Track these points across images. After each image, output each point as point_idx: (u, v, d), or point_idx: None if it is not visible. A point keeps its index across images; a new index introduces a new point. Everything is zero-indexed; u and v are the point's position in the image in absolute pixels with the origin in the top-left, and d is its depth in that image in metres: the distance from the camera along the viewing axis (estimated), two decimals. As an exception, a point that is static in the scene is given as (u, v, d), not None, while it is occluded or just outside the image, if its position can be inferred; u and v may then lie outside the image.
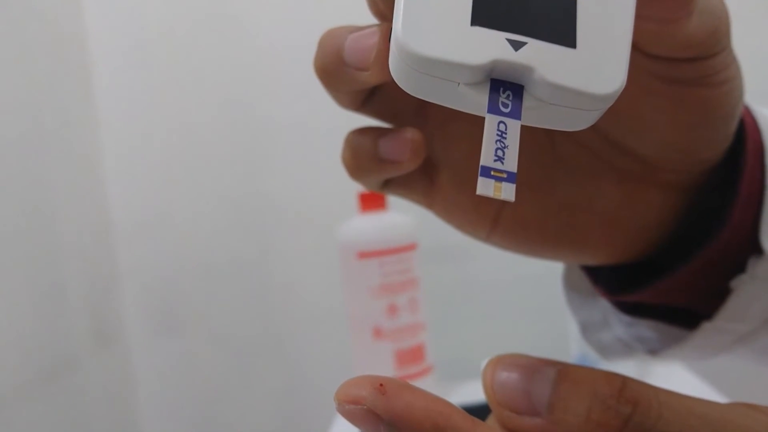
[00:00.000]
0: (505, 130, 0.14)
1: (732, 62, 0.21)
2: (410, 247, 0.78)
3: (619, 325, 0.31)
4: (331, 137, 1.11)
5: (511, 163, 0.14)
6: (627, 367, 0.80)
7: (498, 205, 0.25)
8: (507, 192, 0.14)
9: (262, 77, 1.04)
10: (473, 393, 0.84)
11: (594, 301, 0.32)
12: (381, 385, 0.16)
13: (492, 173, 0.13)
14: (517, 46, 0.14)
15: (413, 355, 0.78)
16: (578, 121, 0.15)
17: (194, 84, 1.05)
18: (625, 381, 0.16)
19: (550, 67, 0.14)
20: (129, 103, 1.06)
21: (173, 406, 1.09)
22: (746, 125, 0.25)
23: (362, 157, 0.23)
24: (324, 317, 1.03)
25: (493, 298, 1.01)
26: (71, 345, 0.94)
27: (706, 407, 0.16)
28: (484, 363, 0.18)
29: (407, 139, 0.22)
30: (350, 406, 0.16)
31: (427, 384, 0.80)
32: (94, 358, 0.98)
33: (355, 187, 0.82)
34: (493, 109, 0.14)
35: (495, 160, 0.14)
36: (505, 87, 0.14)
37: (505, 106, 0.14)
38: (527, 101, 0.14)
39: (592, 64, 0.14)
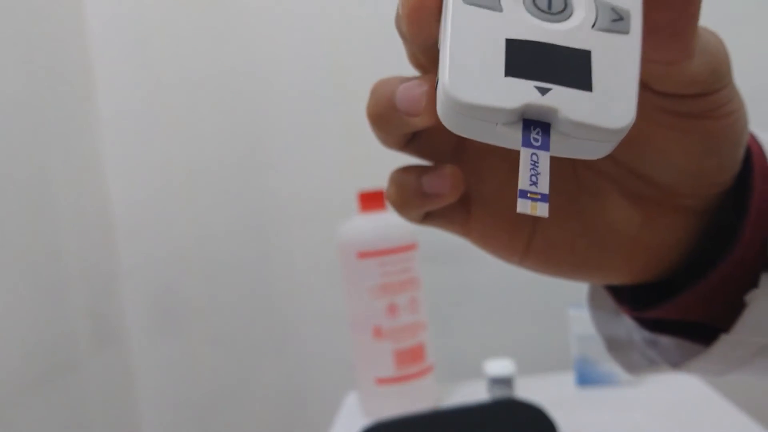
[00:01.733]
0: (537, 160, 0.17)
1: (735, 96, 0.24)
2: (410, 247, 0.78)
3: (642, 341, 0.33)
4: (331, 138, 1.12)
5: (544, 187, 0.17)
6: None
7: (529, 232, 0.27)
8: (542, 209, 0.16)
9: (263, 77, 1.04)
10: (473, 393, 0.84)
11: (618, 319, 0.34)
12: None
13: (528, 195, 0.16)
14: (543, 91, 0.17)
15: (413, 355, 0.78)
16: (597, 151, 0.18)
17: (195, 84, 1.05)
18: None
19: (571, 107, 0.17)
20: (130, 103, 1.06)
21: (173, 405, 1.09)
22: (752, 149, 0.27)
23: (407, 192, 0.25)
24: (324, 317, 1.03)
25: (493, 298, 1.01)
26: (72, 345, 0.94)
27: None
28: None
29: (447, 175, 0.25)
30: None
31: (427, 384, 0.80)
32: (94, 358, 0.98)
33: (355, 187, 0.82)
34: (526, 143, 0.17)
35: (530, 185, 0.16)
36: (535, 125, 0.17)
37: (536, 140, 0.17)
38: (554, 136, 0.17)
39: (606, 104, 0.17)
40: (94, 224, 1.03)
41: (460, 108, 0.17)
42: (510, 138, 0.17)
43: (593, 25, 0.18)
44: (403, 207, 0.26)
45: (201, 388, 1.08)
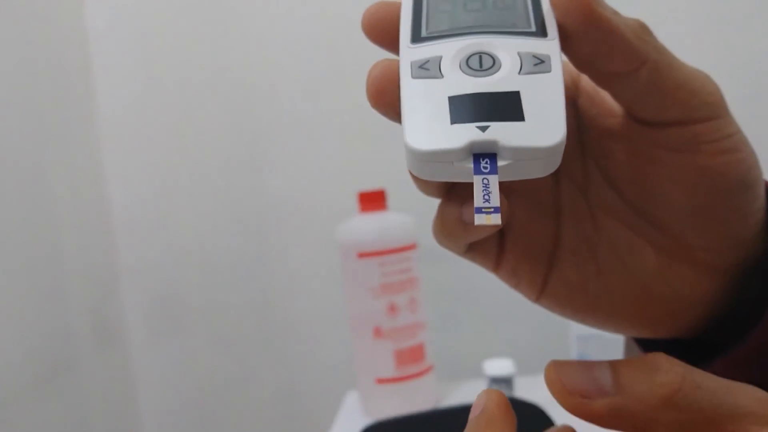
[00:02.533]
0: (488, 183, 0.20)
1: (733, 135, 0.24)
2: (410, 247, 0.78)
3: None
4: (331, 138, 1.12)
5: (495, 201, 0.20)
6: None
7: (546, 270, 0.29)
8: (495, 219, 0.20)
9: (263, 77, 1.04)
10: (473, 393, 0.84)
11: None
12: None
13: (483, 210, 0.20)
14: (483, 129, 0.21)
15: (413, 355, 0.78)
16: (542, 169, 0.21)
17: (195, 83, 1.05)
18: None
19: (508, 136, 0.20)
20: (129, 103, 1.06)
21: (173, 404, 1.09)
22: None
23: (450, 222, 0.27)
24: (324, 317, 1.03)
25: (493, 298, 1.01)
26: (72, 345, 0.94)
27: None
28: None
29: None
30: None
31: (427, 383, 0.80)
32: (94, 358, 0.98)
33: (355, 187, 0.82)
34: (477, 171, 0.20)
35: (484, 202, 0.20)
36: (484, 157, 0.21)
37: (485, 168, 0.20)
38: (501, 162, 0.21)
39: (538, 128, 0.21)
40: (93, 224, 1.03)
41: (420, 156, 0.21)
42: (465, 172, 0.21)
43: (519, 71, 0.22)
44: (447, 237, 0.27)
45: (201, 387, 1.08)
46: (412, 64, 0.23)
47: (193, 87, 1.05)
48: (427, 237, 0.98)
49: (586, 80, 0.28)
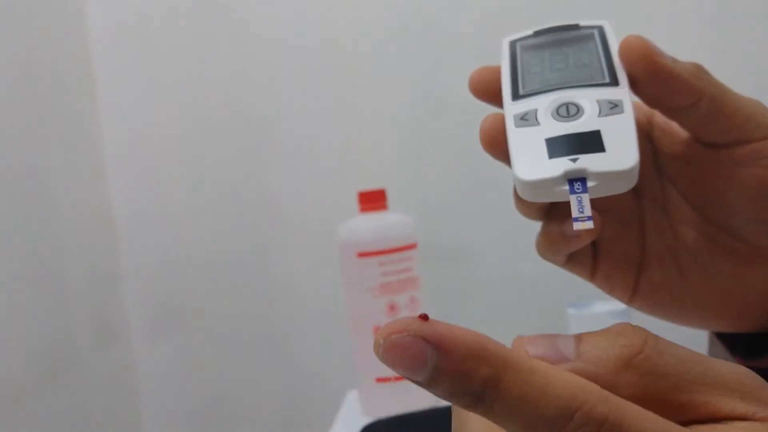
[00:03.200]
0: (581, 200, 0.26)
1: None
2: (410, 247, 0.78)
3: None
4: (331, 138, 1.12)
5: (588, 212, 0.25)
6: None
7: (635, 276, 0.34)
8: (589, 224, 0.25)
9: (263, 77, 1.04)
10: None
11: None
12: (420, 316, 0.18)
13: (579, 219, 0.25)
14: (574, 160, 0.26)
15: (413, 355, 0.78)
16: (622, 187, 0.27)
17: (195, 83, 1.05)
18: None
19: (594, 164, 0.26)
20: (130, 103, 1.06)
21: (174, 403, 1.09)
22: None
23: (553, 236, 0.32)
24: (324, 316, 1.03)
25: (493, 298, 1.01)
26: (73, 343, 0.94)
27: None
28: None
29: None
30: (396, 336, 0.17)
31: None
32: (96, 356, 0.98)
33: (355, 187, 0.82)
34: (572, 191, 0.26)
35: (579, 213, 0.26)
36: (577, 181, 0.26)
37: (578, 189, 0.26)
38: (590, 184, 0.26)
39: (616, 156, 0.26)
40: (95, 225, 1.03)
41: (529, 184, 0.27)
42: (563, 194, 0.27)
43: (599, 115, 0.28)
44: (550, 250, 0.33)
45: (201, 386, 1.08)
46: (514, 116, 0.29)
47: (193, 88, 1.05)
48: (427, 237, 0.98)
49: (658, 116, 0.33)
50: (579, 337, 0.20)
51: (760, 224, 0.30)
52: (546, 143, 0.27)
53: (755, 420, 0.19)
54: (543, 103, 0.29)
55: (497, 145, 0.29)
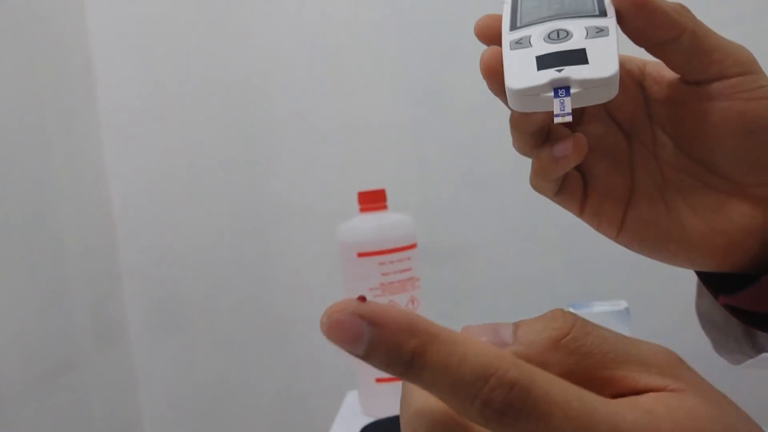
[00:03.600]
0: (563, 102, 0.29)
1: (763, 87, 0.31)
2: (410, 247, 0.78)
3: (747, 346, 0.38)
4: (331, 138, 1.12)
5: (568, 110, 0.29)
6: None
7: (623, 211, 0.36)
8: (567, 118, 0.29)
9: (263, 77, 1.04)
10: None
11: (727, 328, 0.39)
12: (359, 297, 0.20)
13: (559, 115, 0.29)
14: (560, 71, 0.30)
15: (413, 355, 0.78)
16: (604, 96, 0.30)
17: (195, 84, 1.05)
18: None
19: (577, 73, 0.29)
20: (130, 104, 1.06)
21: (174, 403, 1.09)
22: None
23: (544, 160, 0.34)
24: (324, 317, 1.03)
25: (493, 297, 1.01)
26: (74, 344, 0.94)
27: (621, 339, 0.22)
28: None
29: (570, 139, 0.34)
30: (336, 314, 0.20)
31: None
32: (96, 357, 0.98)
33: (356, 187, 0.82)
34: (556, 96, 0.29)
35: (560, 110, 0.29)
36: (561, 89, 0.29)
37: (562, 94, 0.29)
38: (573, 90, 0.29)
39: (598, 67, 0.30)
40: (95, 225, 1.03)
41: (517, 92, 0.30)
42: (549, 101, 0.29)
43: (585, 37, 0.31)
44: (541, 174, 0.35)
45: (201, 386, 1.08)
46: (510, 42, 0.32)
47: (193, 87, 1.05)
48: (427, 237, 0.98)
49: (650, 66, 0.35)
50: (517, 324, 0.23)
51: (741, 160, 0.33)
52: (536, 59, 0.31)
53: (668, 391, 0.21)
54: (536, 31, 0.32)
55: (495, 74, 0.32)
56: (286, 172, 1.04)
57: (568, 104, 0.29)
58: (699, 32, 0.31)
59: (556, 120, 0.29)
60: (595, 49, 0.30)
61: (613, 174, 0.36)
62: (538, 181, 0.36)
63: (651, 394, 0.21)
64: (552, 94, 0.29)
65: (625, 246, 0.37)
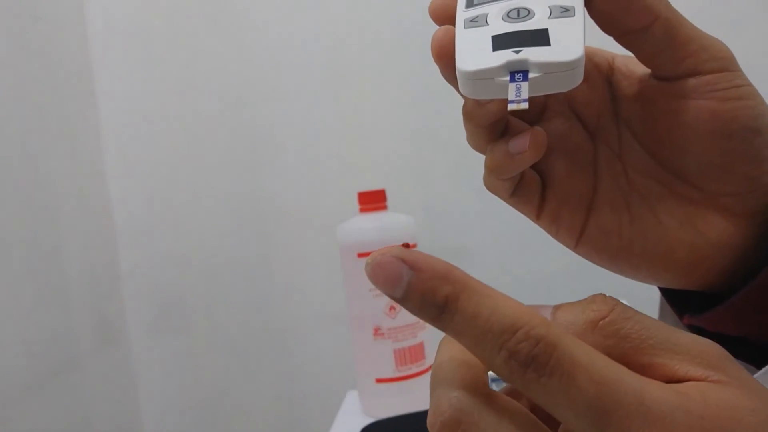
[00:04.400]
0: (520, 87, 0.25)
1: (741, 86, 0.28)
2: (410, 247, 0.78)
3: None
4: (331, 138, 1.12)
5: (524, 96, 0.25)
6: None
7: (583, 218, 0.33)
8: (523, 105, 0.25)
9: (263, 78, 1.04)
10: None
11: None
12: (403, 244, 0.21)
13: (514, 101, 0.25)
14: (517, 52, 0.26)
15: (413, 354, 0.78)
16: (566, 83, 0.26)
17: (195, 85, 1.05)
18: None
19: (536, 55, 0.26)
20: (130, 104, 1.06)
21: (174, 404, 1.09)
22: None
23: (499, 155, 0.31)
24: (324, 316, 1.03)
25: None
26: (74, 344, 0.94)
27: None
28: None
29: (528, 134, 0.30)
30: (380, 256, 0.20)
31: (425, 383, 0.80)
32: (96, 358, 0.98)
33: (355, 187, 0.82)
34: (512, 80, 0.26)
35: (516, 96, 0.25)
36: (518, 73, 0.26)
37: (519, 78, 0.26)
38: (531, 75, 0.26)
39: (560, 50, 0.26)
40: (95, 225, 1.03)
41: (468, 75, 0.27)
42: (504, 86, 0.26)
43: (549, 17, 0.27)
44: (497, 169, 0.31)
45: (201, 387, 1.08)
46: (465, 20, 0.29)
47: (193, 88, 1.05)
48: (427, 237, 0.98)
49: (619, 59, 0.32)
50: (557, 306, 0.23)
51: (712, 166, 0.29)
52: (492, 39, 0.27)
53: (708, 382, 0.20)
54: (495, 8, 0.28)
55: (447, 56, 0.28)
56: (286, 172, 1.04)
57: (525, 90, 0.25)
58: (674, 21, 0.28)
59: (511, 107, 0.25)
60: (558, 30, 0.27)
61: (574, 176, 0.33)
62: (491, 179, 0.33)
63: (690, 382, 0.21)
64: (508, 78, 0.26)
65: (585, 257, 0.34)
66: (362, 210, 0.79)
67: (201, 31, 1.05)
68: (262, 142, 1.04)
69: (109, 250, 1.06)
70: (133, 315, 1.08)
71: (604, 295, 0.22)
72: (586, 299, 0.22)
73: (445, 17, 0.30)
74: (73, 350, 0.94)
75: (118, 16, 1.06)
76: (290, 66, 1.03)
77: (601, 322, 0.21)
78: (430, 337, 0.81)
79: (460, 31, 0.28)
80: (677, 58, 0.28)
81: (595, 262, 0.34)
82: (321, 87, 1.03)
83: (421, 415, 0.65)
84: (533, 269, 0.99)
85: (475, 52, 0.27)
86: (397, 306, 0.77)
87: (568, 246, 0.34)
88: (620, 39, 0.29)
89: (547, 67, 0.26)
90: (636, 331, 0.21)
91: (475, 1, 0.29)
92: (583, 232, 0.33)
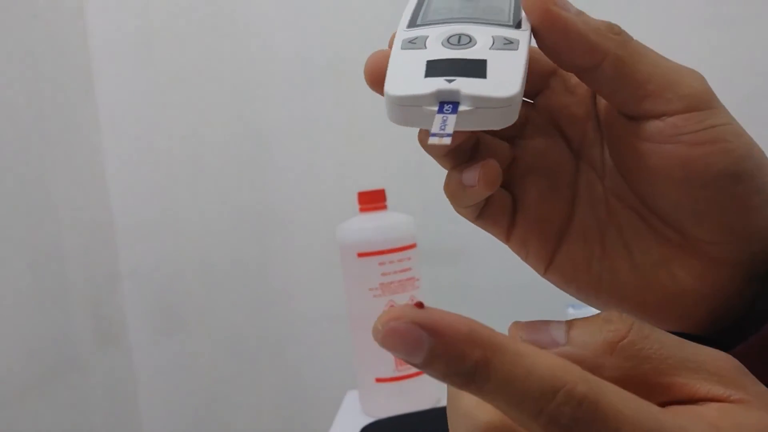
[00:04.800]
0: (446, 119, 0.23)
1: (717, 126, 0.25)
2: (410, 247, 0.78)
3: None
4: (331, 138, 1.12)
5: (449, 130, 0.23)
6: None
7: (554, 246, 0.31)
8: (445, 140, 0.23)
9: (263, 79, 1.04)
10: (473, 392, 0.84)
11: None
12: (416, 303, 0.19)
13: (437, 135, 0.23)
14: (450, 81, 0.24)
15: (413, 355, 0.78)
16: (499, 120, 0.24)
17: (195, 86, 1.05)
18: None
19: (469, 87, 0.24)
20: (130, 106, 1.06)
21: (174, 404, 1.09)
22: None
23: (452, 184, 0.29)
24: (324, 317, 1.03)
25: (493, 297, 1.01)
26: (74, 345, 0.94)
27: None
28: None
29: (479, 168, 0.28)
30: (394, 322, 0.18)
31: (426, 383, 0.80)
32: (96, 358, 0.99)
33: (355, 187, 0.82)
34: (440, 111, 0.24)
35: (440, 130, 0.23)
36: (448, 104, 0.24)
37: (447, 110, 0.24)
38: (461, 109, 0.24)
39: (497, 84, 0.24)
40: (95, 225, 1.03)
41: (395, 100, 0.25)
42: (431, 117, 0.24)
43: (490, 47, 0.25)
44: (452, 198, 0.30)
45: (201, 387, 1.08)
46: (403, 41, 0.27)
47: (193, 89, 1.05)
48: (427, 237, 0.98)
49: None
50: (570, 323, 0.22)
51: (690, 212, 0.26)
52: (426, 64, 0.25)
53: (731, 402, 0.20)
54: (436, 32, 0.26)
55: (380, 79, 0.26)
56: (286, 172, 1.04)
57: (452, 124, 0.23)
58: (626, 58, 0.25)
59: (432, 141, 0.23)
60: (497, 62, 0.25)
61: (548, 202, 0.30)
62: (452, 204, 0.31)
63: (713, 404, 0.20)
64: (436, 108, 0.24)
65: (553, 284, 0.32)
66: (362, 210, 0.79)
67: (201, 31, 1.05)
68: (262, 142, 1.05)
69: (109, 252, 1.06)
70: (133, 316, 1.08)
71: (619, 312, 0.21)
72: (600, 316, 0.21)
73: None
74: (73, 351, 0.94)
75: (118, 16, 1.06)
76: (290, 66, 1.03)
77: (620, 344, 0.21)
78: (430, 337, 0.81)
79: (396, 51, 0.26)
80: (636, 97, 0.25)
81: (563, 290, 0.32)
82: (321, 88, 1.03)
83: (421, 415, 0.65)
84: (532, 273, 0.99)
85: (406, 76, 0.25)
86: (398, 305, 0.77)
87: (537, 271, 0.32)
88: (577, 75, 0.27)
89: (478, 101, 0.24)
90: (655, 350, 0.21)
91: (419, 21, 0.28)
92: (551, 262, 0.31)
